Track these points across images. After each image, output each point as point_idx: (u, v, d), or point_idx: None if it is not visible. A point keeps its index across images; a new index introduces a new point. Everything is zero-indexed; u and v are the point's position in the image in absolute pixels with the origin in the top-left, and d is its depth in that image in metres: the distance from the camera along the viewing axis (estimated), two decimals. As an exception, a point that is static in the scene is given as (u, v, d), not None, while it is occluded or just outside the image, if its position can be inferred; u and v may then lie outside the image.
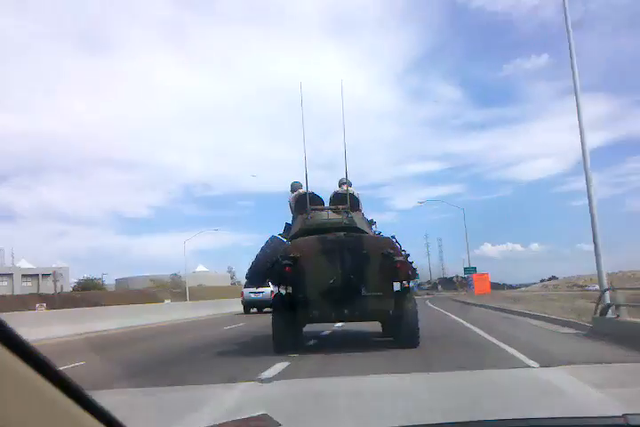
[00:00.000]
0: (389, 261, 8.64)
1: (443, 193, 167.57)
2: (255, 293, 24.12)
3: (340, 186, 10.73)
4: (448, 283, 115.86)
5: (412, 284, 50.54)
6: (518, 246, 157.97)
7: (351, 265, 8.69)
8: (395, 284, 9.26)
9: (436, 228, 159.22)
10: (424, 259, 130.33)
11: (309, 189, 10.20)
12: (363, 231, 9.48)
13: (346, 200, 9.87)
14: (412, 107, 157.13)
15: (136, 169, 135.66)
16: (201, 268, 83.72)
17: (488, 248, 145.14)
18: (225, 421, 1.41)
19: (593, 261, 11.95)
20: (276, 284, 9.59)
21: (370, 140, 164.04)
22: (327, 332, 12.45)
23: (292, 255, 8.69)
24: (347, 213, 9.55)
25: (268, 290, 20.90)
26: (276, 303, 9.33)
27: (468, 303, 30.74)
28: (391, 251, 8.75)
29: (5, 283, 66.82)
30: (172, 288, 61.55)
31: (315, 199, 10.14)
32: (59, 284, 65.57)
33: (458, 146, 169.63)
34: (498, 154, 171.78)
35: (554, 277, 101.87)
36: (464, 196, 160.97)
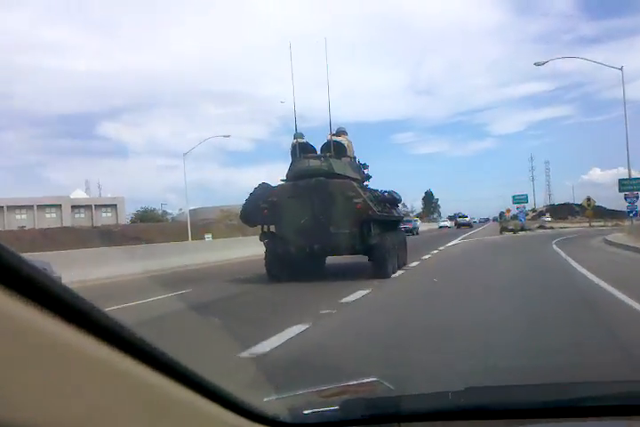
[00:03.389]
0: (351, 203, 10.13)
1: (549, 116, 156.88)
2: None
3: (336, 134, 12.21)
4: (558, 211, 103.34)
5: (520, 215, 45.49)
6: (632, 171, 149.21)
7: (320, 207, 10.26)
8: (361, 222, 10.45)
9: (540, 154, 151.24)
10: (526, 185, 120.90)
11: (305, 139, 11.90)
12: (342, 176, 10.87)
13: (335, 148, 11.44)
14: (518, 23, 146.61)
15: (237, 102, 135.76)
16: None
17: (596, 173, 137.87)
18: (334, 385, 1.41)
19: None
20: (261, 224, 11.18)
21: (470, 60, 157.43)
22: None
23: (269, 199, 10.46)
24: (326, 160, 10.92)
25: None
26: (264, 239, 11.06)
27: None
28: (352, 193, 10.23)
29: (54, 215, 62.59)
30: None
31: (307, 148, 11.64)
32: (113, 216, 65.09)
33: (567, 63, 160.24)
34: (612, 71, 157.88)
35: None
36: (573, 118, 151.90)
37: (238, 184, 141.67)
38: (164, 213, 68.79)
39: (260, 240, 11.12)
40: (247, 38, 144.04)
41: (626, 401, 1.16)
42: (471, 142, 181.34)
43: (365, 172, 12.70)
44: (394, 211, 12.90)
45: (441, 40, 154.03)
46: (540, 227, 47.61)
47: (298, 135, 11.98)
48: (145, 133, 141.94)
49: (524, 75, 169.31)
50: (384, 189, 12.95)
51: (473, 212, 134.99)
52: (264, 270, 10.87)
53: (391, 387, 1.39)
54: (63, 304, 0.54)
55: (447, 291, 8.86)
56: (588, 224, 44.05)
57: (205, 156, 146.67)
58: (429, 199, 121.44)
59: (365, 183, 12.59)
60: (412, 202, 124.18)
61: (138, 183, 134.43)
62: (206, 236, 36.29)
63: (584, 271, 10.29)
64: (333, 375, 3.07)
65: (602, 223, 47.54)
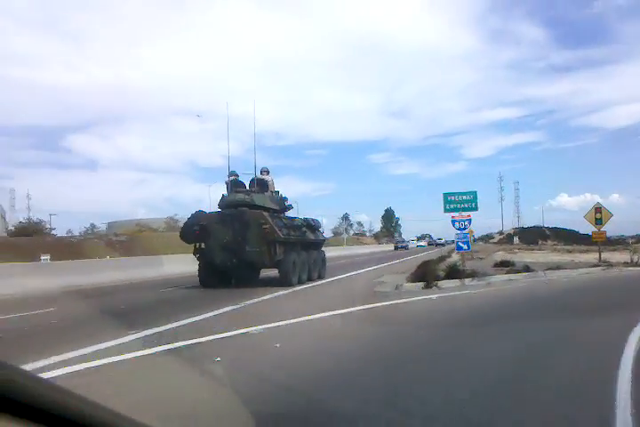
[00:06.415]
0: (260, 228, 13.57)
1: (520, 141, 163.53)
2: None
3: (261, 173, 15.92)
4: (527, 234, 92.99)
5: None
6: (597, 197, 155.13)
7: (239, 230, 13.71)
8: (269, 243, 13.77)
9: (510, 178, 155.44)
10: (496, 206, 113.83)
11: (241, 177, 15.73)
12: (261, 207, 14.35)
13: (258, 184, 15.14)
14: (491, 50, 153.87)
15: (211, 119, 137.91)
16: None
17: (564, 199, 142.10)
18: None
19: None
20: (194, 242, 14.49)
21: (445, 85, 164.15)
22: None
23: (200, 223, 13.94)
24: (250, 194, 14.58)
25: None
26: (198, 253, 14.42)
27: None
28: (262, 221, 13.67)
29: None
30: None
31: (238, 184, 15.34)
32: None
33: (538, 91, 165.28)
34: (582, 99, 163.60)
35: None
36: (542, 144, 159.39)
37: (210, 199, 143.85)
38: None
39: (194, 255, 14.54)
40: (223, 58, 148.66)
41: None
42: (443, 165, 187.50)
43: (286, 203, 16.30)
44: (311, 234, 16.28)
45: (415, 65, 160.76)
46: (510, 270, 16.89)
47: (232, 173, 15.61)
48: (115, 147, 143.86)
49: (495, 101, 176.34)
50: (306, 217, 16.74)
51: (442, 233, 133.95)
52: None
53: None
54: None
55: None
56: (597, 256, 22.03)
57: (177, 171, 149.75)
58: (389, 218, 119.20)
59: (286, 212, 16.25)
60: (370, 223, 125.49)
61: (105, 197, 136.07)
62: (42, 257, 27.85)
63: None
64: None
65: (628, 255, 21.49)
